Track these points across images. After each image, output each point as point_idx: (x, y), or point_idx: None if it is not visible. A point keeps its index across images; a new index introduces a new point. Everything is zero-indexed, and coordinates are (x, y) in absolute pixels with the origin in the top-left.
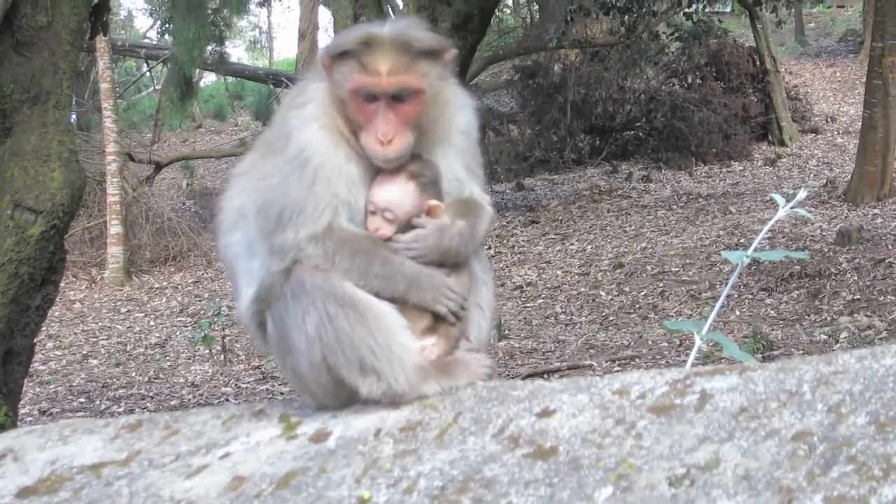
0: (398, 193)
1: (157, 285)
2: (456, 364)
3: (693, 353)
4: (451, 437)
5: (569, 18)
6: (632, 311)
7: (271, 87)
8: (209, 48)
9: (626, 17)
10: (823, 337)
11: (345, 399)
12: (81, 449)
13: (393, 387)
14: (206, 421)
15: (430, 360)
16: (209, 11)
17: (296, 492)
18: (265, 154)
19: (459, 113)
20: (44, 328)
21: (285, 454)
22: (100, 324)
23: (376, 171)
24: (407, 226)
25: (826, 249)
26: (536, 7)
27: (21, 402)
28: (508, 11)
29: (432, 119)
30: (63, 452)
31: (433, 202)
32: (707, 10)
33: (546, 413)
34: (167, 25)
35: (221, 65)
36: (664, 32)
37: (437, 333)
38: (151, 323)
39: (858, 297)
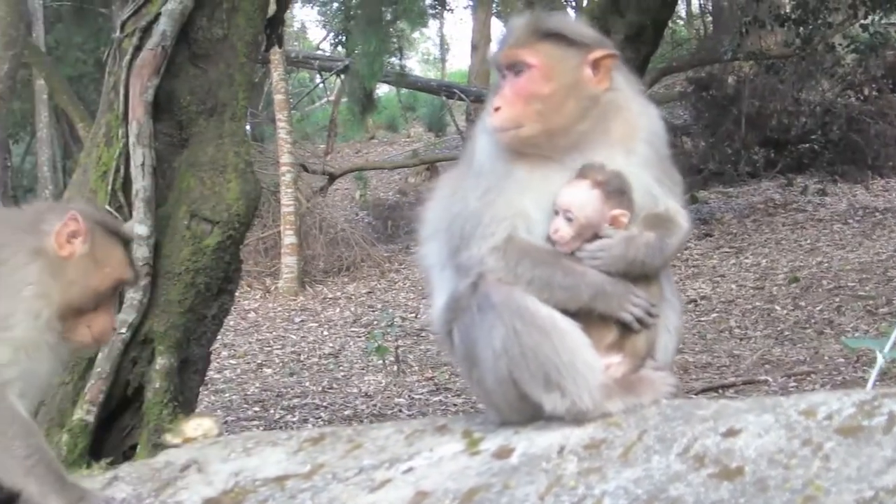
0: (580, 196)
1: (330, 295)
2: (640, 381)
3: (875, 372)
4: (636, 456)
5: (743, 30)
6: (807, 325)
7: (444, 98)
8: (388, 61)
9: (802, 28)
10: None
11: (529, 414)
12: (265, 461)
13: (577, 404)
14: (389, 435)
15: (615, 377)
16: (384, 23)
17: None
18: (460, 166)
19: (640, 119)
20: (219, 337)
21: (468, 470)
22: (274, 333)
23: (557, 180)
24: (593, 236)
25: None
26: (710, 18)
27: (196, 411)
28: (682, 23)
29: (563, 105)
30: (246, 464)
31: (617, 211)
32: (884, 21)
33: (731, 433)
34: (340, 37)
35: (401, 77)
36: (840, 44)
37: (623, 351)
38: (325, 333)
39: None
